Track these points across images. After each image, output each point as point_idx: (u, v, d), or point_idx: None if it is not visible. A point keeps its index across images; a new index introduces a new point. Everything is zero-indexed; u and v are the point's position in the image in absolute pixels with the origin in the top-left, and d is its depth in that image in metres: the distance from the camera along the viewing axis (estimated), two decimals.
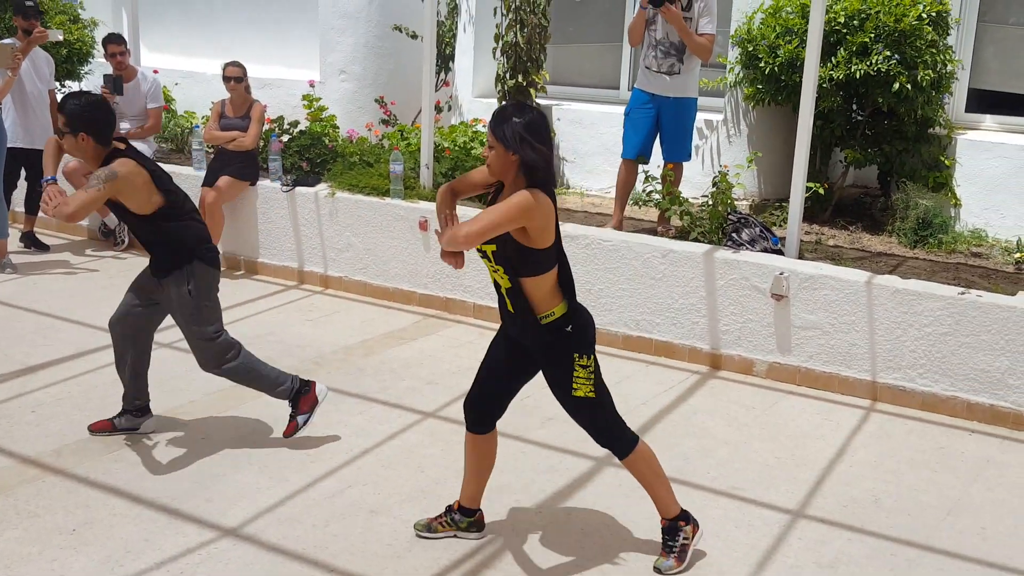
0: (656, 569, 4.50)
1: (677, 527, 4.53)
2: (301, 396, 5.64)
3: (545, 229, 4.16)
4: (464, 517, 4.75)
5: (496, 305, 4.55)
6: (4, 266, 8.85)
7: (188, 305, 5.34)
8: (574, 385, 4.33)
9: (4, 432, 5.71)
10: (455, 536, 4.73)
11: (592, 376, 4.36)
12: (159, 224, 5.34)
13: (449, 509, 4.79)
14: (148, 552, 4.53)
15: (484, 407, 4.65)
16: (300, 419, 5.62)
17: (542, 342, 4.38)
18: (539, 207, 4.09)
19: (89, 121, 5.24)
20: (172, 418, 5.97)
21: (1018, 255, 7.19)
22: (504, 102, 9.44)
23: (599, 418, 4.46)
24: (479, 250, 4.27)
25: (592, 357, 4.37)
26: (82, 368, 6.68)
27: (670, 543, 4.53)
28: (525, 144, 4.10)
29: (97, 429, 5.73)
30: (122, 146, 5.42)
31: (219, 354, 5.44)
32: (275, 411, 6.03)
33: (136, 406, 5.74)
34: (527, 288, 4.27)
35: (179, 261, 5.33)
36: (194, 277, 5.34)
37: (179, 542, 4.62)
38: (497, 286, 4.41)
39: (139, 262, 9.13)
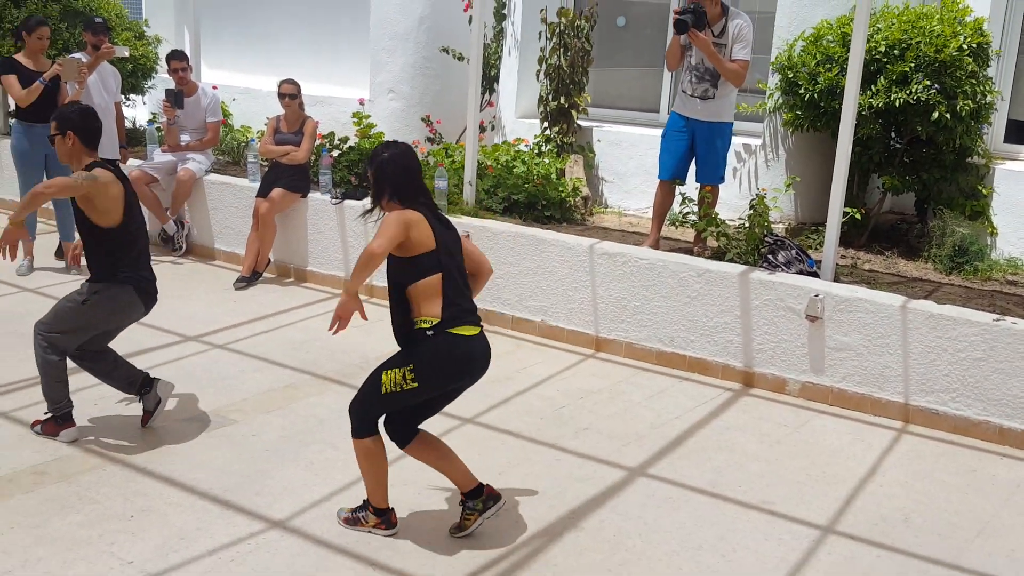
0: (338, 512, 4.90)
1: (364, 506, 4.79)
2: (59, 423, 5.64)
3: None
4: (474, 499, 4.78)
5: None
6: (71, 268, 8.91)
7: (78, 299, 5.54)
8: (387, 372, 4.54)
9: None
10: (483, 521, 4.76)
11: (399, 388, 4.50)
12: (106, 242, 5.54)
13: (462, 503, 4.81)
14: (201, 540, 4.59)
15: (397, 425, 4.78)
16: (37, 428, 5.70)
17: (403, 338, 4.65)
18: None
19: (79, 127, 5.54)
20: (224, 415, 6.03)
21: None
22: (546, 123, 9.53)
23: (367, 400, 4.63)
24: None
25: (416, 383, 4.50)
26: (141, 365, 6.69)
27: (355, 508, 4.84)
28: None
29: (146, 423, 5.85)
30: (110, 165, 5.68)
31: (49, 341, 5.53)
32: (321, 412, 6.11)
33: (139, 387, 5.86)
34: (404, 292, 4.60)
35: (107, 277, 5.57)
36: (111, 297, 5.57)
37: (230, 531, 4.68)
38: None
39: (195, 267, 9.29)
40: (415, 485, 5.25)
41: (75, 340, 5.58)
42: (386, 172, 4.63)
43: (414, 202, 4.59)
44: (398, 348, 4.59)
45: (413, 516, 4.94)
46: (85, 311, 5.52)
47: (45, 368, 5.56)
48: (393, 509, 4.79)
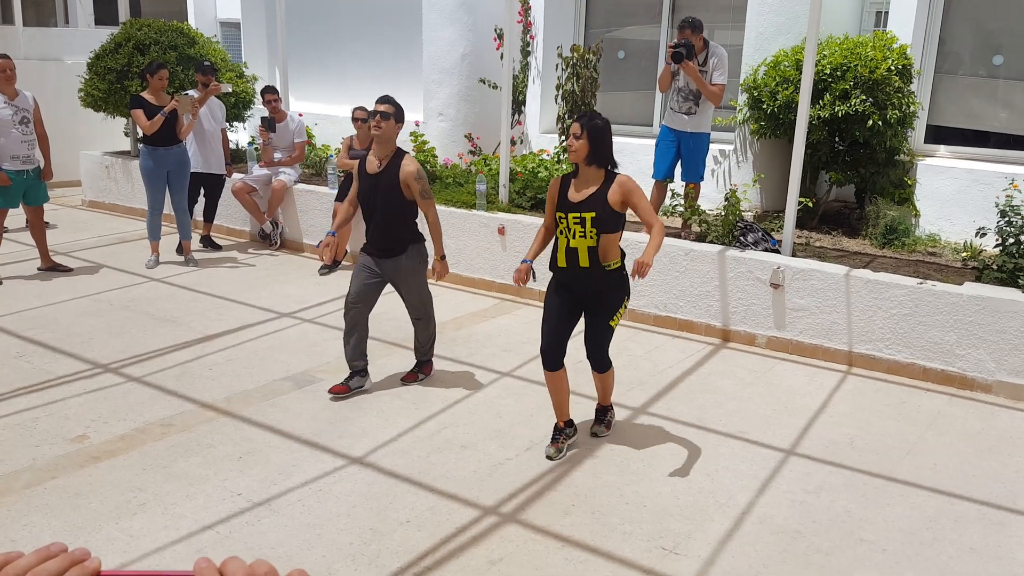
0: (594, 434, 5.18)
1: (607, 409, 5.26)
2: (427, 363, 5.99)
3: None
4: (571, 428, 5.10)
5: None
6: (188, 261, 9.01)
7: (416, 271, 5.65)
8: (613, 319, 4.82)
9: (188, 384, 5.84)
10: (572, 447, 5.05)
11: (621, 317, 4.92)
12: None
13: (558, 429, 5.03)
14: (296, 474, 4.63)
15: (555, 350, 4.89)
16: (420, 375, 5.95)
17: (606, 284, 4.76)
18: None
19: (403, 114, 5.48)
20: (313, 375, 6.05)
21: (964, 254, 7.06)
22: (563, 136, 9.48)
23: (608, 342, 4.94)
24: (577, 219, 4.63)
25: (625, 306, 4.90)
26: (246, 337, 6.80)
27: (601, 417, 5.24)
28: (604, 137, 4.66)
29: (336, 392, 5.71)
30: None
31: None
32: (389, 370, 6.12)
33: (358, 368, 5.75)
34: (603, 243, 4.64)
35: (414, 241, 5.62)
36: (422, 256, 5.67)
37: (319, 467, 4.71)
38: (570, 250, 4.70)
39: (287, 259, 9.34)
40: (462, 426, 5.29)
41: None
42: (608, 136, 4.68)
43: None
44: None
45: (464, 450, 4.96)
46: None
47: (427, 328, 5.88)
48: None
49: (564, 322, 4.86)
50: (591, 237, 4.64)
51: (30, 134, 8.24)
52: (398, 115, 5.44)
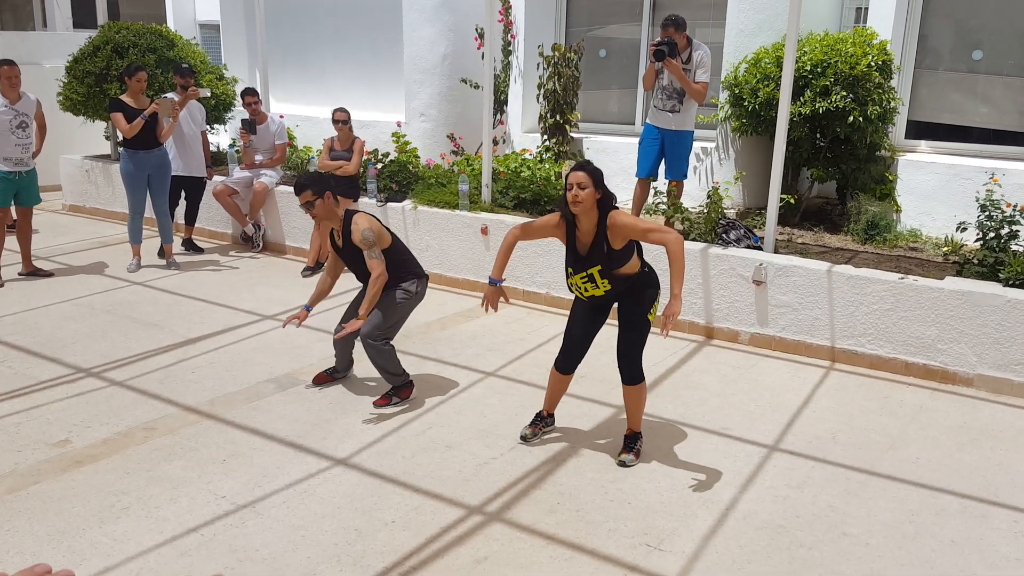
0: (621, 462, 4.83)
1: (638, 436, 4.98)
2: (404, 388, 5.65)
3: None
4: (551, 419, 5.25)
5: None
6: (170, 265, 9.00)
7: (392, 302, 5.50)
8: (650, 313, 4.68)
9: (172, 388, 5.83)
10: (546, 434, 5.19)
11: (656, 311, 4.74)
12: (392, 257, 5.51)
13: (540, 416, 5.20)
14: (280, 476, 4.62)
15: (573, 357, 4.97)
16: (394, 399, 5.60)
17: (633, 287, 4.67)
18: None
19: (332, 186, 5.43)
20: (296, 377, 6.05)
21: (945, 249, 7.13)
22: (545, 136, 9.51)
23: (642, 343, 4.74)
24: (585, 276, 4.60)
25: (658, 300, 4.76)
26: (228, 340, 6.79)
27: (631, 444, 4.93)
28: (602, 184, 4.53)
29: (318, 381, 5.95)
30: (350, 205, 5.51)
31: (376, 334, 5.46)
32: (374, 371, 6.08)
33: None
34: (620, 273, 4.60)
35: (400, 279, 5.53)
36: (411, 292, 5.56)
37: (303, 469, 4.71)
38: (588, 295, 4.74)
39: (270, 261, 9.32)
40: (447, 426, 5.31)
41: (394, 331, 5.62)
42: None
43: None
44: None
45: (448, 450, 4.98)
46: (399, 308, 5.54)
47: (378, 357, 5.52)
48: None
49: (588, 328, 4.89)
50: (603, 285, 4.61)
51: (26, 138, 8.26)
52: (318, 191, 5.40)
